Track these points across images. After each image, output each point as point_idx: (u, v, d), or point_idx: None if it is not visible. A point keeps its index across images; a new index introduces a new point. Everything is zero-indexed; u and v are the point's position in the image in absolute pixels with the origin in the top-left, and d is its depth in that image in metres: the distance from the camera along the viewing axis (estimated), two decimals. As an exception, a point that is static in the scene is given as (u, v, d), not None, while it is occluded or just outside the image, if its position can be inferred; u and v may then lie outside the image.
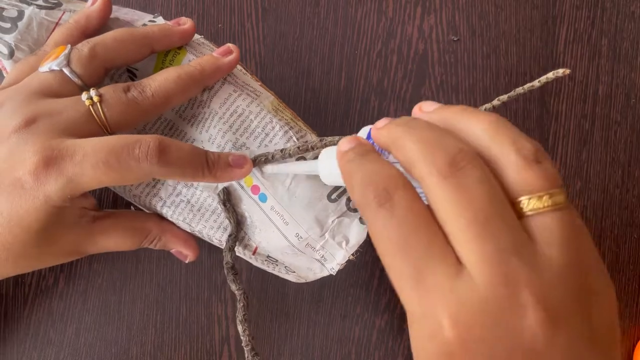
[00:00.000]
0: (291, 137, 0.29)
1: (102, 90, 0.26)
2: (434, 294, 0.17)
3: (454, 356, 0.17)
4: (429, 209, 0.19)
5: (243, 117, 0.29)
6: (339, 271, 0.36)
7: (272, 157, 0.28)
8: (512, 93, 0.25)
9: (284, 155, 0.28)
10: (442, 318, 0.17)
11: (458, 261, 0.18)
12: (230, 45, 0.29)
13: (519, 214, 0.18)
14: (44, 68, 0.26)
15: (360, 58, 0.37)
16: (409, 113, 0.37)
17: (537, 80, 0.24)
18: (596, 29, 0.37)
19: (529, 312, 0.17)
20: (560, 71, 0.23)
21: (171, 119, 0.29)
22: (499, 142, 0.19)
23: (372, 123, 0.36)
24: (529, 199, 0.18)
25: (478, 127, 0.19)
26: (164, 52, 0.29)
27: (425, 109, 0.22)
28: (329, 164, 0.26)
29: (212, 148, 0.29)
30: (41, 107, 0.25)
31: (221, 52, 0.29)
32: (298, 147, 0.28)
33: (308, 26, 0.37)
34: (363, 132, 0.26)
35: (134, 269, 0.35)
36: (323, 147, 0.27)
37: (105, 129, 0.26)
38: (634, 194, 0.37)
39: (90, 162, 0.24)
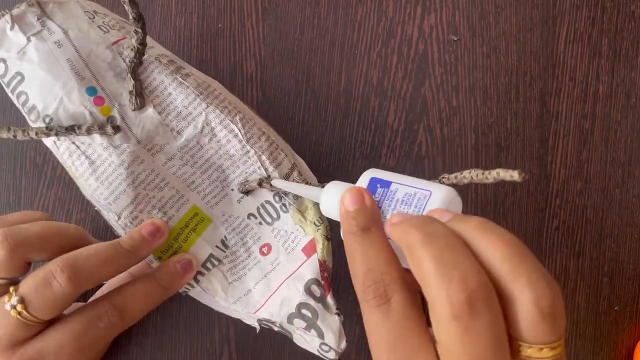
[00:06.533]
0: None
1: (23, 290, 0.25)
2: None
3: None
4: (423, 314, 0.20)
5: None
6: (339, 271, 0.35)
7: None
8: (466, 175, 0.24)
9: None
10: None
11: None
12: (156, 221, 0.29)
13: (514, 349, 0.19)
14: None
15: (361, 58, 0.37)
16: (409, 113, 0.37)
17: (491, 176, 0.22)
18: (596, 29, 0.37)
19: None
20: (516, 174, 0.21)
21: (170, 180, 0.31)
22: (518, 283, 0.18)
23: (372, 122, 0.36)
24: (530, 347, 0.18)
25: (497, 254, 0.19)
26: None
27: (441, 220, 0.21)
28: (333, 200, 0.26)
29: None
30: None
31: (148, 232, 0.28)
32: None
33: (308, 26, 0.37)
34: (364, 180, 0.25)
35: (134, 269, 0.35)
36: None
37: (42, 324, 0.26)
38: (634, 194, 0.37)
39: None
